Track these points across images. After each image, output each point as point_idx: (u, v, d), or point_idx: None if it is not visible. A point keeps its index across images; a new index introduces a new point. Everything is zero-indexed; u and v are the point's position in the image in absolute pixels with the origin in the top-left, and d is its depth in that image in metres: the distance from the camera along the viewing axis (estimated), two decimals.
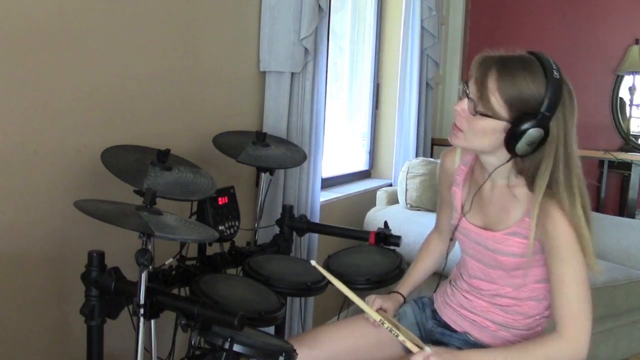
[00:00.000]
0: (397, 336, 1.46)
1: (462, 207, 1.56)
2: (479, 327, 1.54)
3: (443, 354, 1.39)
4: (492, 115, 1.34)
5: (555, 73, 1.32)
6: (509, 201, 1.45)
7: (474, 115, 1.36)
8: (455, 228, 1.57)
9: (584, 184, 1.40)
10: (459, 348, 1.55)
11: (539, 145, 1.33)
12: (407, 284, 1.75)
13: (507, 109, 1.33)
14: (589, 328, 1.38)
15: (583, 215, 1.36)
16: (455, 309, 1.60)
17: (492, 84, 1.33)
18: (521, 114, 1.32)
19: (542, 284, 1.47)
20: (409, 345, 1.43)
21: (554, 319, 1.40)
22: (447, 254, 1.67)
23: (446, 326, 1.62)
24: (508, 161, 1.40)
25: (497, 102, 1.33)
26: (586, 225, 1.36)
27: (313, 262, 1.51)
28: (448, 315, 1.62)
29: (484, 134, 1.37)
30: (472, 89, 1.36)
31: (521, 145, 1.33)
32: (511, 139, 1.33)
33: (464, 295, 1.59)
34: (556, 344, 1.37)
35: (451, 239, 1.63)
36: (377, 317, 1.50)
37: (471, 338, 1.56)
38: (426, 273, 1.78)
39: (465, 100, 1.38)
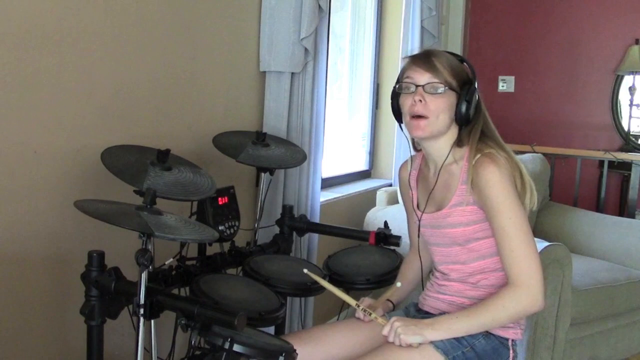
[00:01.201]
0: (370, 314, 1.57)
1: (418, 205, 1.69)
2: (456, 305, 1.61)
3: (406, 320, 1.50)
4: (450, 88, 1.52)
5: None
6: (448, 178, 1.59)
7: (436, 95, 1.52)
8: (419, 225, 1.67)
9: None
10: None
11: (476, 109, 1.56)
12: (396, 294, 1.79)
13: (455, 81, 1.53)
14: (538, 273, 1.45)
15: (511, 152, 1.55)
16: (434, 296, 1.68)
17: (438, 63, 1.52)
18: (462, 83, 1.54)
19: None
20: (380, 320, 1.55)
21: (505, 273, 1.48)
22: (420, 257, 1.75)
23: (427, 313, 1.69)
24: (459, 133, 1.57)
25: (448, 76, 1.52)
26: (515, 157, 1.55)
27: (306, 271, 1.63)
28: (428, 304, 1.69)
29: (444, 111, 1.53)
30: (423, 77, 1.53)
31: (470, 109, 1.53)
32: (463, 106, 1.53)
33: (439, 284, 1.67)
34: (510, 291, 1.45)
35: (418, 237, 1.71)
36: (354, 302, 1.60)
37: None
38: (412, 284, 1.85)
39: (419, 89, 1.53)
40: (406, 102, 1.55)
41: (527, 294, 1.44)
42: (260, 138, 2.06)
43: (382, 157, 3.87)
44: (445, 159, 1.58)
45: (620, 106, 4.59)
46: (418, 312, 1.72)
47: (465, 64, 1.59)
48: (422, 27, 3.56)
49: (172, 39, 1.98)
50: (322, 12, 2.44)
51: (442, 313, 1.62)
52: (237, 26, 2.27)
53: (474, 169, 1.50)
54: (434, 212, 1.61)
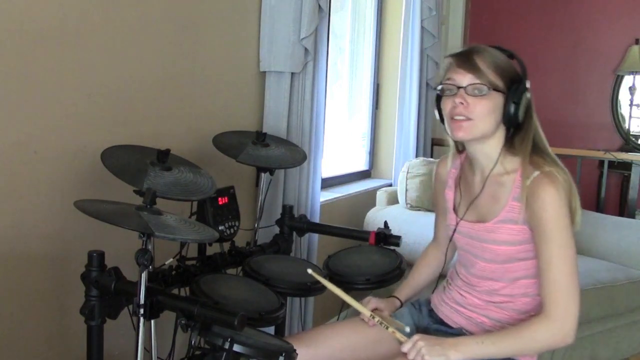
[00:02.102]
0: (386, 328, 1.48)
1: (455, 208, 1.60)
2: (474, 323, 1.56)
3: (430, 339, 1.41)
4: (495, 89, 1.42)
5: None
6: (497, 190, 1.49)
7: (479, 97, 1.42)
8: (454, 230, 1.59)
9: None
10: None
11: (527, 111, 1.45)
12: (405, 290, 1.77)
13: (501, 80, 1.43)
14: (576, 309, 1.38)
15: (569, 174, 1.44)
16: (451, 305, 1.62)
17: (480, 63, 1.43)
18: (509, 82, 1.44)
19: (535, 279, 1.48)
20: (398, 336, 1.45)
21: (541, 300, 1.42)
22: (446, 259, 1.69)
23: (442, 322, 1.64)
24: (506, 140, 1.47)
25: (493, 75, 1.42)
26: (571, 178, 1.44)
27: (310, 271, 1.57)
28: (444, 312, 1.64)
29: (489, 113, 1.43)
30: (465, 78, 1.43)
31: (521, 111, 1.43)
32: (511, 107, 1.42)
33: (459, 292, 1.61)
34: (543, 324, 1.38)
35: (450, 240, 1.63)
36: (368, 313, 1.52)
37: (466, 333, 1.57)
38: (424, 282, 1.80)
39: (461, 91, 1.43)
40: (447, 105, 1.46)
41: (560, 328, 1.37)
42: (260, 138, 2.05)
43: (382, 157, 3.87)
44: (494, 167, 1.48)
45: (620, 106, 4.59)
46: (430, 316, 1.68)
47: (515, 59, 1.47)
48: (422, 27, 3.56)
49: (172, 39, 1.98)
50: (322, 12, 2.44)
51: (460, 328, 1.58)
52: (237, 26, 2.26)
53: (531, 187, 1.40)
54: (475, 222, 1.52)
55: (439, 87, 1.49)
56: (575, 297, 1.38)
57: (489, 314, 1.54)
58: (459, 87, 1.43)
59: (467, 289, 1.59)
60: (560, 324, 1.37)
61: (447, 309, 1.63)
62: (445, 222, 1.65)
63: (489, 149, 1.49)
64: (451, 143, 1.62)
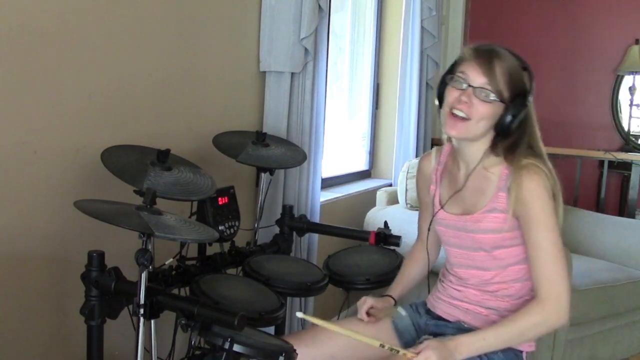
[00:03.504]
0: (397, 352, 1.45)
1: (440, 202, 1.63)
2: (471, 314, 1.58)
3: (437, 348, 1.39)
4: (500, 99, 1.45)
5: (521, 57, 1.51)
6: (483, 182, 1.53)
7: (484, 101, 1.45)
8: (433, 217, 1.63)
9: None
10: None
11: (522, 121, 1.48)
12: (398, 288, 1.78)
13: (509, 91, 1.46)
14: (567, 289, 1.44)
15: (553, 169, 1.49)
16: (448, 301, 1.64)
17: (498, 69, 1.45)
18: (514, 95, 1.46)
19: (524, 264, 1.52)
20: (410, 355, 1.43)
21: (533, 286, 1.47)
22: (428, 253, 1.72)
23: (440, 318, 1.66)
24: (493, 143, 1.51)
25: (504, 85, 1.45)
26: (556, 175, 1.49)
27: (299, 314, 1.47)
28: (441, 309, 1.66)
29: (487, 119, 1.47)
30: (478, 79, 1.45)
31: (515, 124, 1.46)
32: (507, 119, 1.46)
33: (454, 288, 1.63)
34: (539, 308, 1.43)
35: (429, 229, 1.66)
36: (377, 343, 1.47)
37: (465, 325, 1.59)
38: (414, 279, 1.81)
39: (469, 90, 1.46)
40: (452, 95, 1.48)
41: (556, 310, 1.42)
42: (260, 138, 2.06)
43: (382, 157, 3.87)
44: (478, 164, 1.54)
45: (620, 106, 4.59)
46: (428, 314, 1.69)
47: (526, 72, 1.49)
48: (422, 27, 3.56)
49: (172, 39, 1.98)
50: (322, 12, 2.44)
51: (458, 321, 1.60)
52: (237, 26, 2.26)
53: (517, 178, 1.45)
54: (461, 215, 1.56)
55: (449, 76, 1.51)
56: (565, 278, 1.43)
57: (485, 303, 1.57)
58: (469, 85, 1.46)
59: (461, 283, 1.61)
60: (554, 305, 1.42)
61: (444, 305, 1.65)
62: (430, 220, 1.67)
63: (476, 148, 1.53)
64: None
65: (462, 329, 1.58)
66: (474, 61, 1.47)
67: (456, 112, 1.47)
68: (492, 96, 1.44)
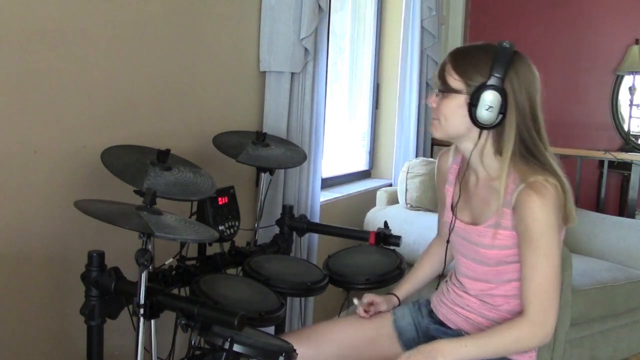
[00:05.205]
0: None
1: (452, 206, 1.60)
2: (472, 323, 1.56)
3: (421, 348, 1.42)
4: (451, 91, 1.43)
5: (505, 44, 1.40)
6: (489, 193, 1.49)
7: (440, 98, 1.46)
8: (451, 229, 1.59)
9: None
10: None
11: (500, 112, 1.39)
12: (404, 288, 1.78)
13: (463, 82, 1.41)
14: (556, 311, 1.42)
15: (562, 176, 1.41)
16: (450, 306, 1.62)
17: (448, 66, 1.44)
18: (477, 85, 1.39)
19: None
20: None
21: (522, 302, 1.43)
22: (445, 261, 1.68)
23: (441, 323, 1.64)
24: (479, 138, 1.45)
25: (453, 79, 1.43)
26: (567, 182, 1.42)
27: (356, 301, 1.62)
28: (443, 313, 1.64)
29: (452, 114, 1.44)
30: (437, 80, 1.48)
31: (480, 112, 1.39)
32: (472, 109, 1.40)
33: (457, 293, 1.61)
34: (525, 327, 1.41)
35: (448, 241, 1.63)
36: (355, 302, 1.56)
37: (464, 334, 1.57)
38: (424, 280, 1.81)
39: (434, 92, 1.49)
40: None
41: (542, 330, 1.40)
42: (260, 138, 2.06)
43: (382, 157, 3.87)
44: (478, 169, 1.51)
45: (620, 106, 4.59)
46: (430, 317, 1.68)
47: (489, 58, 1.40)
48: (422, 27, 3.56)
49: (172, 39, 1.98)
50: (322, 12, 2.44)
51: (459, 329, 1.59)
52: (237, 26, 2.26)
53: (518, 198, 1.39)
54: (467, 224, 1.53)
55: None
56: (556, 300, 1.41)
57: (485, 314, 1.55)
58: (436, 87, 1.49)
59: (463, 290, 1.59)
60: (541, 326, 1.40)
61: (446, 309, 1.63)
62: (444, 218, 1.65)
63: (470, 144, 1.48)
64: None
65: None
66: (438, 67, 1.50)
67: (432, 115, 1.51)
68: (442, 90, 1.44)
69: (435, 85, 1.50)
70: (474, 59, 1.42)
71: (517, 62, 1.41)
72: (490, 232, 1.46)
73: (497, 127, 1.42)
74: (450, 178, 1.63)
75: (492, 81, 1.38)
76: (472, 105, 1.39)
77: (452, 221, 1.58)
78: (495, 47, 1.41)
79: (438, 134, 1.50)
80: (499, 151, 1.45)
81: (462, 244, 1.56)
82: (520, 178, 1.40)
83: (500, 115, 1.39)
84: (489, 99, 1.38)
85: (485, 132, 1.44)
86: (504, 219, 1.44)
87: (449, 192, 1.63)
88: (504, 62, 1.38)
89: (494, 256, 1.48)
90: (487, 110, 1.38)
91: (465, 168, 1.59)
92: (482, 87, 1.38)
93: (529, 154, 1.42)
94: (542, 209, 1.36)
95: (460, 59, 1.44)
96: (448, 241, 1.62)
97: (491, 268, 1.50)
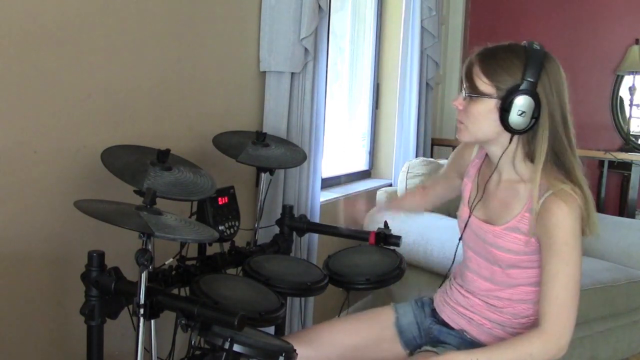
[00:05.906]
0: None
1: (469, 201, 1.58)
2: (475, 324, 1.56)
3: (431, 359, 1.40)
4: (480, 95, 1.39)
5: (536, 45, 1.38)
6: (511, 196, 1.47)
7: (467, 102, 1.42)
8: (466, 225, 1.57)
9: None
10: (457, 347, 1.56)
11: (533, 117, 1.37)
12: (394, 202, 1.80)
13: (493, 86, 1.38)
14: (572, 325, 1.37)
15: (585, 186, 1.41)
16: (453, 306, 1.61)
17: (476, 68, 1.40)
18: (508, 89, 1.37)
19: (535, 287, 1.47)
20: None
21: (539, 312, 1.40)
22: (454, 260, 1.67)
23: (444, 324, 1.63)
24: (510, 142, 1.43)
25: (482, 82, 1.39)
26: (589, 193, 1.42)
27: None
28: (446, 313, 1.63)
29: (480, 118, 1.41)
30: (464, 82, 1.43)
31: (513, 117, 1.37)
32: (504, 114, 1.37)
33: (461, 293, 1.60)
34: (539, 340, 1.37)
35: (460, 238, 1.62)
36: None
37: (467, 336, 1.57)
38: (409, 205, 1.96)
39: (461, 94, 1.44)
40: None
41: (556, 344, 1.36)
42: (260, 138, 2.06)
43: (382, 157, 3.87)
44: (504, 172, 1.48)
45: (620, 106, 4.59)
46: (433, 316, 1.68)
47: (519, 61, 1.38)
48: (422, 27, 3.56)
49: (172, 39, 1.98)
50: (322, 12, 2.44)
51: (461, 329, 1.58)
52: (237, 26, 2.26)
53: (544, 204, 1.37)
54: (483, 222, 1.52)
55: None
56: (573, 314, 1.37)
57: (489, 316, 1.54)
58: (463, 90, 1.45)
59: (468, 289, 1.59)
60: (556, 339, 1.36)
61: (449, 310, 1.63)
62: (443, 189, 1.68)
63: (499, 149, 1.47)
64: None
65: (464, 339, 1.57)
66: (463, 67, 1.46)
67: (457, 118, 1.47)
68: (471, 94, 1.40)
69: (463, 89, 1.44)
70: (504, 61, 1.38)
71: (548, 64, 1.38)
72: (508, 235, 1.45)
73: (528, 132, 1.40)
74: (471, 172, 1.62)
75: (524, 85, 1.35)
76: (504, 110, 1.37)
77: (468, 219, 1.56)
78: (525, 49, 1.38)
79: (465, 138, 1.47)
80: (529, 156, 1.43)
81: (477, 242, 1.55)
82: (547, 185, 1.38)
83: (533, 120, 1.37)
84: (522, 103, 1.35)
85: (515, 136, 1.43)
86: (524, 223, 1.42)
87: (467, 186, 1.61)
88: (536, 65, 1.36)
89: (507, 259, 1.47)
90: (519, 115, 1.36)
91: (486, 164, 1.58)
92: (514, 91, 1.36)
93: (557, 160, 1.41)
94: (567, 217, 1.35)
95: (489, 61, 1.39)
96: (460, 238, 1.61)
97: (502, 270, 1.49)
